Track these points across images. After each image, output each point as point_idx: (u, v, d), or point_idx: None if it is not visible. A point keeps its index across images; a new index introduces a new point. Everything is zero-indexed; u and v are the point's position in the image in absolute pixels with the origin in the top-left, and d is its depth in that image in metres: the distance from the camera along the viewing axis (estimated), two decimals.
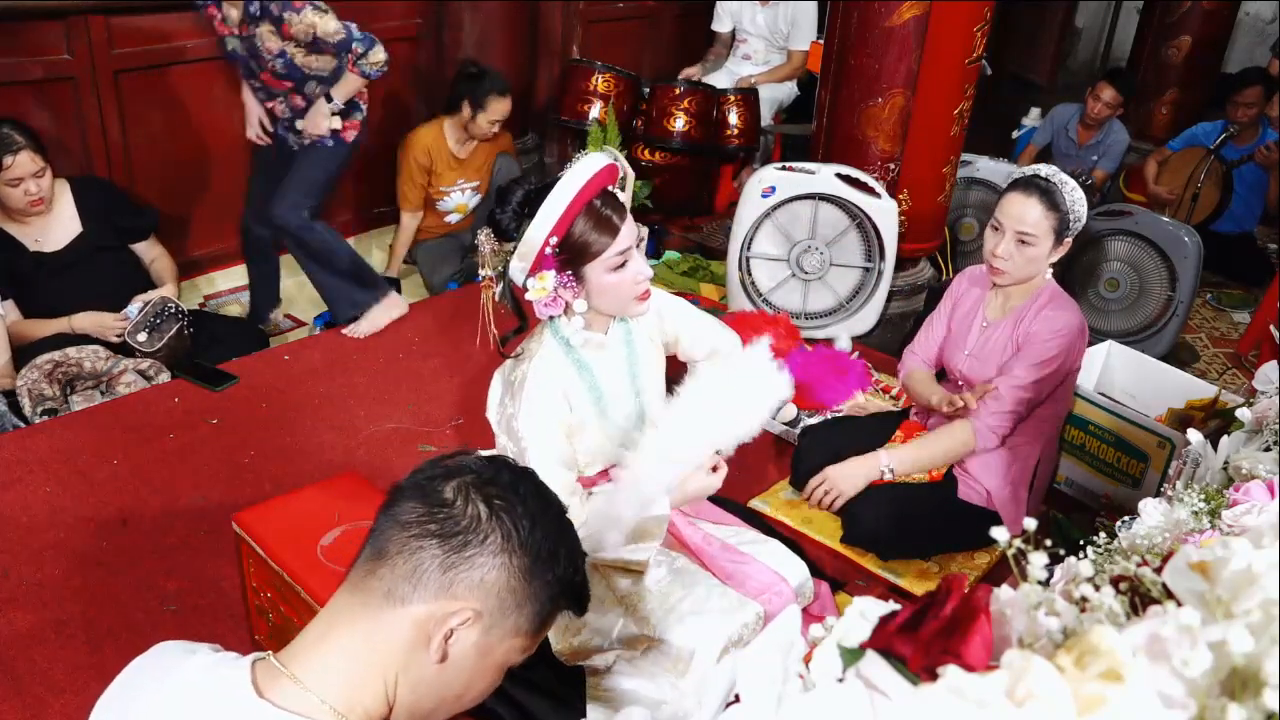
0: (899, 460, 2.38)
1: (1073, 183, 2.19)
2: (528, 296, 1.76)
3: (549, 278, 1.73)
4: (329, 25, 3.01)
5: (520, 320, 1.84)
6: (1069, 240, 2.22)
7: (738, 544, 1.97)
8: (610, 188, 1.76)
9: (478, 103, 3.79)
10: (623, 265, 1.74)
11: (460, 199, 4.09)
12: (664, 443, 1.72)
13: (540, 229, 1.68)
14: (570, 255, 1.72)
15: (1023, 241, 2.20)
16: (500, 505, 0.98)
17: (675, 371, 1.94)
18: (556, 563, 1.01)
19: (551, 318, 1.82)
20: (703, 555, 1.94)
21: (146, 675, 1.02)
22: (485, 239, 1.78)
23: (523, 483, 1.02)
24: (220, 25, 3.10)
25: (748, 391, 1.72)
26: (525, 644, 1.03)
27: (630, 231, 1.74)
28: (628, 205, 1.78)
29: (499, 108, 3.80)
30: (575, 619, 1.84)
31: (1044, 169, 2.24)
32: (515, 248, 1.72)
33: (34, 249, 3.00)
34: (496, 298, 1.83)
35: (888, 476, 2.39)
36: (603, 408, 1.85)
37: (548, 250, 1.70)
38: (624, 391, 1.89)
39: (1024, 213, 2.18)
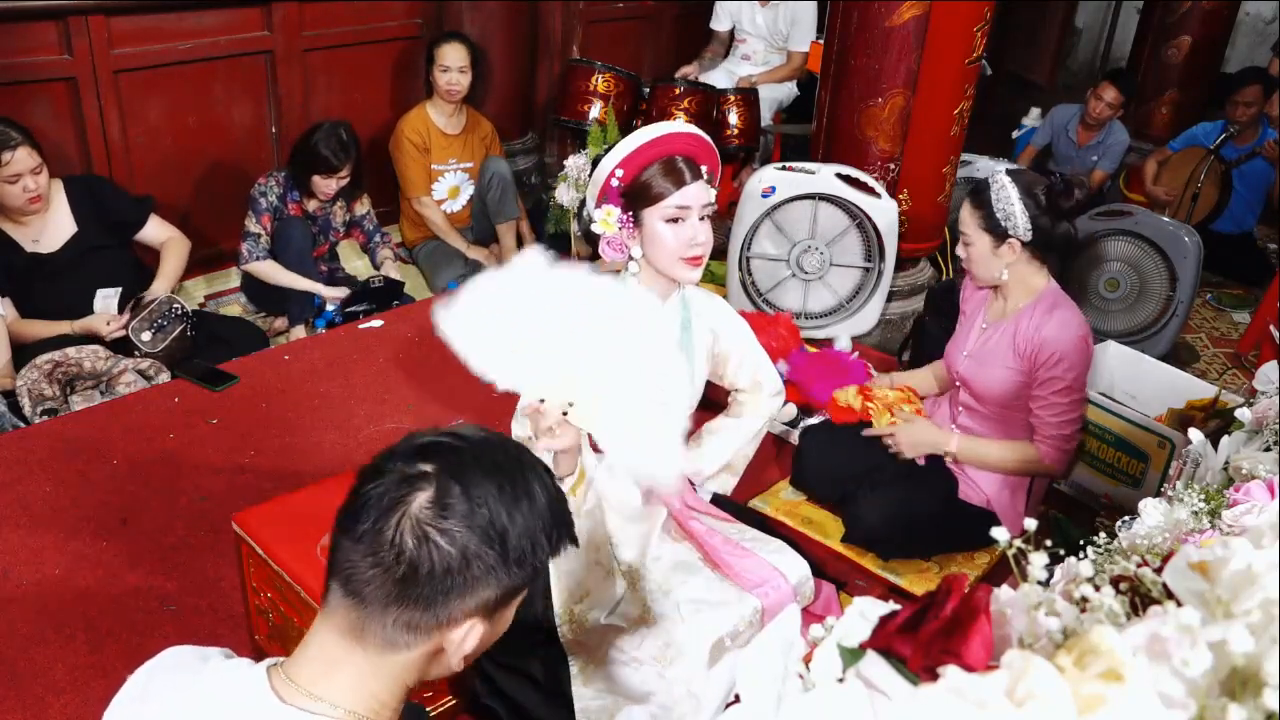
0: (966, 449, 2.38)
1: (1008, 184, 2.17)
2: (594, 228, 1.88)
3: (613, 213, 1.85)
4: None
5: (593, 246, 1.95)
6: (1014, 241, 2.19)
7: (739, 539, 1.98)
8: (701, 166, 1.86)
9: (429, 59, 3.97)
10: (679, 221, 1.83)
11: (454, 180, 4.14)
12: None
13: (612, 158, 1.83)
14: (633, 194, 1.84)
15: (963, 240, 2.28)
16: (465, 537, 0.92)
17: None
18: (536, 540, 0.98)
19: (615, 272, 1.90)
20: (705, 546, 1.96)
21: (160, 682, 1.01)
22: (576, 164, 1.91)
23: (473, 486, 0.94)
24: None
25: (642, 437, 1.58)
26: (524, 593, 1.03)
27: (698, 194, 1.84)
28: (709, 202, 1.87)
29: (447, 53, 3.93)
30: (579, 590, 1.87)
31: (1001, 169, 2.29)
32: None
33: (31, 249, 3.00)
34: (577, 226, 1.94)
35: (948, 455, 2.40)
36: None
37: (614, 182, 1.83)
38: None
39: (962, 213, 2.27)
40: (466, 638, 0.96)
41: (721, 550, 1.95)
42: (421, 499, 0.92)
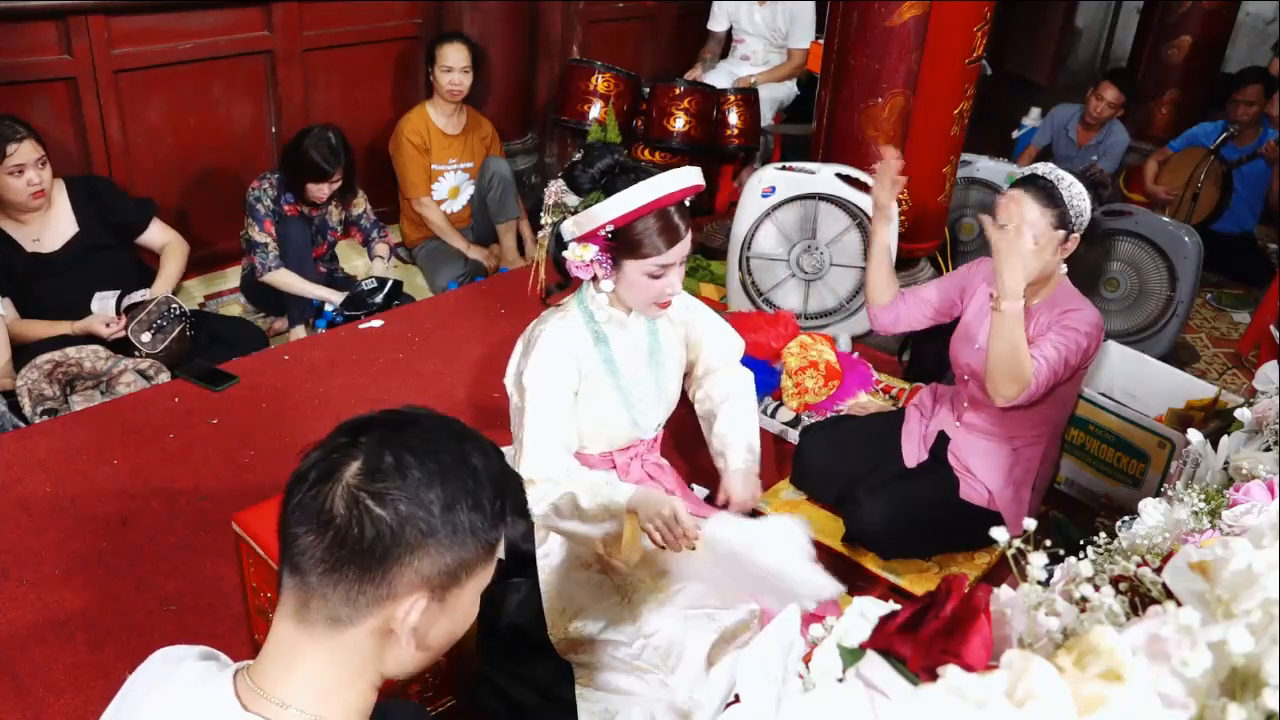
0: (1013, 313, 2.09)
1: (1070, 178, 2.19)
2: (565, 254, 1.81)
3: (591, 250, 1.78)
4: None
5: (563, 275, 1.90)
6: (1076, 237, 2.21)
7: None
8: (685, 201, 1.80)
9: (430, 59, 3.97)
10: (659, 276, 1.79)
11: (454, 180, 4.14)
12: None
13: (608, 211, 1.73)
14: (620, 245, 1.77)
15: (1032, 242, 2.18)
16: (396, 498, 0.91)
17: None
18: (479, 507, 0.96)
19: (579, 286, 1.89)
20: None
21: (141, 690, 1.02)
22: (555, 190, 1.84)
23: (405, 452, 0.93)
24: None
25: (791, 578, 1.68)
26: (485, 571, 1.00)
27: (681, 250, 1.79)
28: (689, 252, 1.83)
29: (449, 53, 3.92)
30: (571, 607, 1.86)
31: (1041, 167, 2.23)
32: (578, 209, 1.78)
33: (31, 249, 3.00)
34: (547, 248, 1.89)
35: (999, 301, 2.11)
36: (616, 380, 1.89)
37: (603, 232, 1.76)
38: (642, 372, 1.94)
39: (1027, 215, 2.18)
40: (411, 613, 0.93)
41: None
42: (354, 467, 0.93)
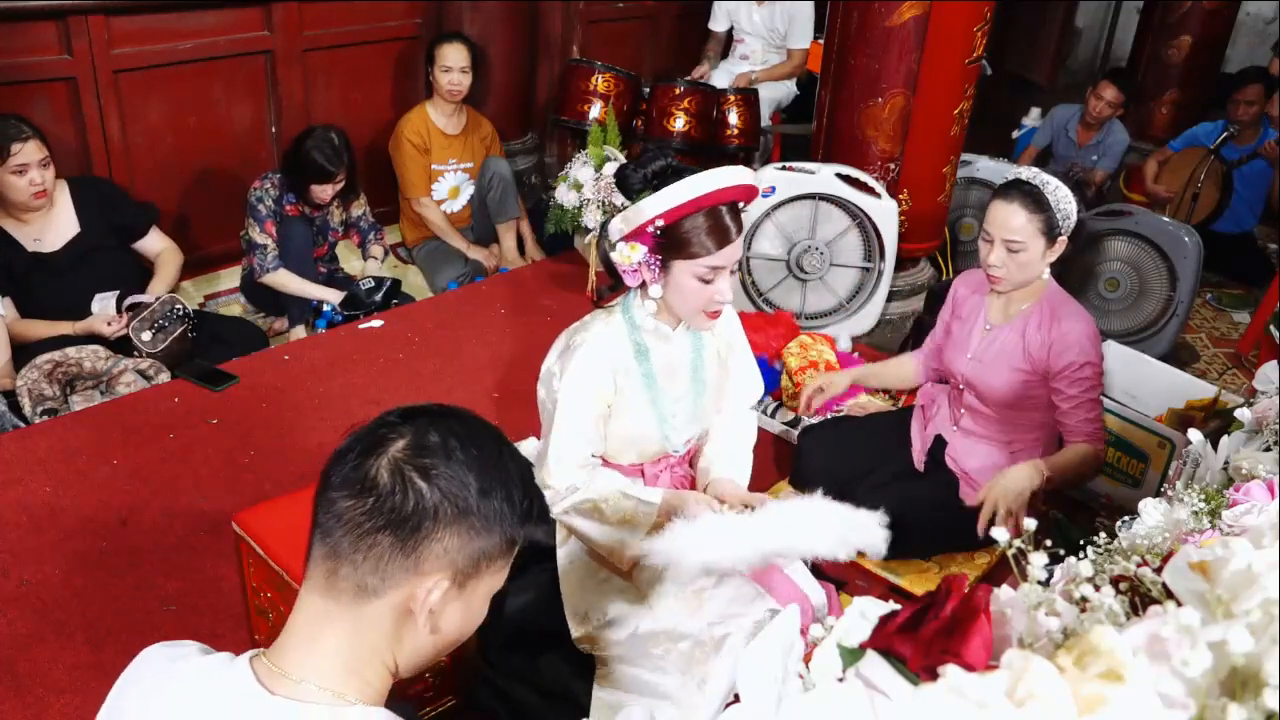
0: (1049, 464, 2.20)
1: (1056, 182, 2.17)
2: (612, 256, 1.76)
3: (639, 250, 1.72)
4: None
5: (614, 277, 1.84)
6: (1063, 239, 2.20)
7: None
8: (740, 205, 1.76)
9: (430, 59, 3.97)
10: (709, 281, 1.74)
11: (454, 180, 4.14)
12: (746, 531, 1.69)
13: (656, 205, 1.68)
14: (669, 243, 1.72)
15: (1011, 249, 2.17)
16: (438, 474, 0.96)
17: None
18: (510, 500, 1.00)
19: (628, 290, 1.84)
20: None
21: (142, 692, 1.01)
22: (605, 185, 1.80)
23: (451, 436, 0.98)
24: None
25: (842, 529, 1.66)
26: (502, 569, 1.04)
27: (732, 254, 1.74)
28: (740, 256, 1.79)
29: (449, 53, 3.92)
30: (597, 611, 1.85)
31: (1025, 172, 2.22)
32: (626, 208, 1.74)
33: (32, 249, 3.00)
34: (593, 249, 1.85)
35: (1044, 475, 2.19)
36: (653, 395, 1.84)
37: (651, 228, 1.70)
38: (682, 389, 1.89)
39: (1008, 219, 2.16)
40: (433, 592, 0.96)
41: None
42: (400, 443, 0.97)
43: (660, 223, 1.69)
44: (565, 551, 1.93)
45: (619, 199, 1.78)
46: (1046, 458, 2.23)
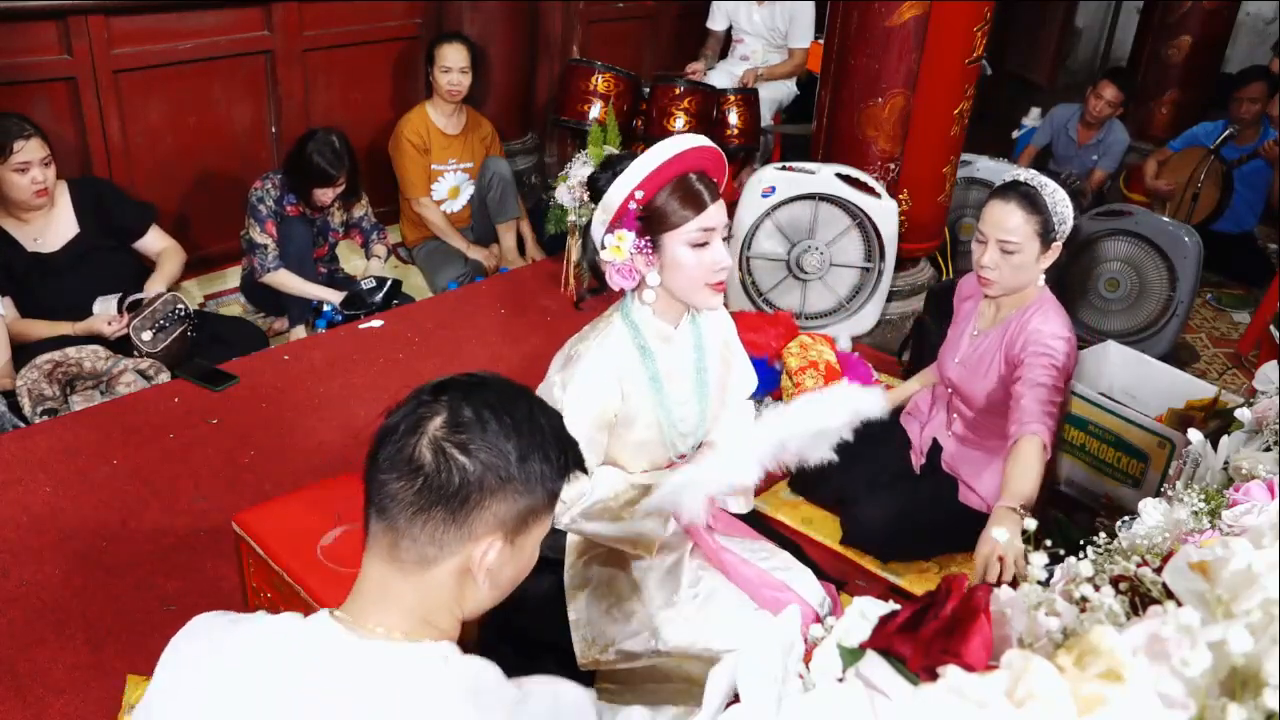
0: (1014, 495, 2.03)
1: (1054, 185, 2.15)
2: (603, 256, 1.74)
3: (627, 238, 1.71)
4: None
5: (599, 281, 1.82)
6: (1058, 245, 2.17)
7: (769, 569, 1.92)
8: (710, 176, 1.76)
9: (430, 59, 3.97)
10: (703, 245, 1.72)
11: (454, 180, 4.15)
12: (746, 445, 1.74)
13: (625, 184, 1.69)
14: (651, 219, 1.71)
15: (1006, 249, 2.15)
16: (479, 448, 1.01)
17: None
18: (548, 459, 1.06)
19: (623, 294, 1.81)
20: (739, 581, 1.90)
21: (197, 644, 1.05)
22: (577, 186, 1.79)
23: (484, 408, 1.03)
24: None
25: (835, 410, 1.76)
26: (547, 518, 1.10)
27: (718, 214, 1.73)
28: (727, 222, 1.79)
29: (448, 53, 3.92)
30: (603, 638, 1.84)
31: (1023, 174, 2.19)
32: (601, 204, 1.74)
33: (32, 249, 3.00)
34: (576, 256, 1.84)
35: (1023, 515, 2.02)
36: (661, 398, 1.83)
37: (631, 205, 1.70)
38: (687, 391, 1.88)
39: (1004, 219, 2.14)
40: (489, 552, 1.03)
41: (755, 582, 1.89)
42: (438, 421, 1.02)
43: (639, 195, 1.69)
44: (573, 575, 1.89)
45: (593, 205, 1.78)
46: (1010, 493, 2.03)
